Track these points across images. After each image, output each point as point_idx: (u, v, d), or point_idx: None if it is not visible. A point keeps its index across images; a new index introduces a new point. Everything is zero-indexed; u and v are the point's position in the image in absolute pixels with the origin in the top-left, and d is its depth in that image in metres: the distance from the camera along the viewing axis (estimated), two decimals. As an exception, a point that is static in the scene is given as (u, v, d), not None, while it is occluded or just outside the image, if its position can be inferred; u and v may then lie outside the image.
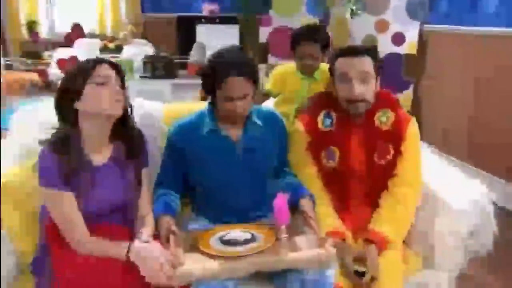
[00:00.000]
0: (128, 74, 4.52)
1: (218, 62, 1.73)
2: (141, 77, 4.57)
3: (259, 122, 1.85)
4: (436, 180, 1.98)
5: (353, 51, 1.85)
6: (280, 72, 2.40)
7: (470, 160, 3.79)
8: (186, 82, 4.60)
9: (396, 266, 1.77)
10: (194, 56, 6.16)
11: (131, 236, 1.64)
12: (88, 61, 1.62)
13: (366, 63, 1.83)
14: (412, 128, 1.90)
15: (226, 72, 1.68)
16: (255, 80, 1.75)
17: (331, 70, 1.92)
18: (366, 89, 1.82)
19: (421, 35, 4.27)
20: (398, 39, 4.27)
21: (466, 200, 1.89)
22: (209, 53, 5.75)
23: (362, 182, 1.90)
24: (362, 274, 1.69)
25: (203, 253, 1.59)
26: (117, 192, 1.64)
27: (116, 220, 1.67)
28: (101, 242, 1.54)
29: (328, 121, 1.91)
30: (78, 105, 1.57)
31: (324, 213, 1.81)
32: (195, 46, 6.35)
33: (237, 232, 1.70)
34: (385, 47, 4.31)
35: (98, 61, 1.60)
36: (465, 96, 3.92)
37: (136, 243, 1.53)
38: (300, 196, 1.77)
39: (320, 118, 1.93)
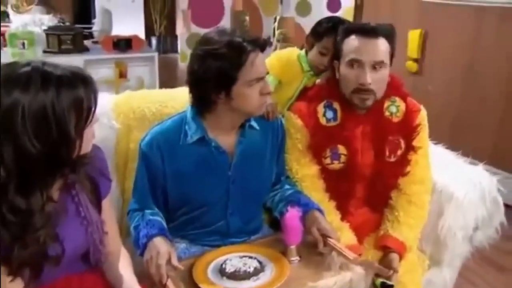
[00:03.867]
0: (28, 49, 3.80)
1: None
2: (44, 52, 3.84)
3: (256, 125, 1.49)
4: (439, 171, 1.78)
5: (369, 31, 1.52)
6: (287, 57, 1.90)
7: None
8: (100, 57, 3.98)
9: (416, 269, 1.63)
10: (99, 24, 5.49)
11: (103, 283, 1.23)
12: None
13: (383, 49, 1.52)
14: (423, 119, 1.66)
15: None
16: None
17: (336, 50, 1.59)
18: (379, 79, 1.52)
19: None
20: (334, 4, 4.03)
21: (474, 190, 1.73)
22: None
23: (368, 182, 1.64)
24: (390, 286, 1.48)
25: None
26: (76, 236, 1.20)
27: (78, 269, 1.23)
28: None
29: (330, 114, 1.60)
30: None
31: (335, 226, 1.53)
32: (99, 12, 5.64)
33: (237, 260, 1.36)
34: (319, 14, 4.06)
35: None
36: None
37: None
38: (310, 210, 1.47)
39: (320, 110, 1.61)
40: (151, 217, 1.42)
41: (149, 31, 7.85)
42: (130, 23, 6.85)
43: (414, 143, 1.63)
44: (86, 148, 1.13)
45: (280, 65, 1.79)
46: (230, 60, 1.31)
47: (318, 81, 1.77)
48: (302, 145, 1.59)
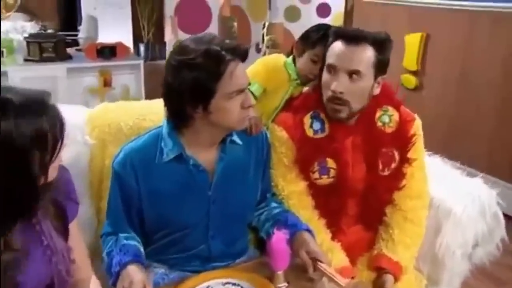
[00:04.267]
0: (7, 57, 3.67)
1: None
2: (26, 60, 3.71)
3: (238, 140, 1.38)
4: (435, 183, 1.68)
5: (352, 37, 1.41)
6: (273, 63, 1.75)
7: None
8: (84, 65, 3.85)
9: None
10: (84, 31, 5.37)
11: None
12: None
13: (363, 58, 1.41)
14: (417, 129, 1.56)
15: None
16: None
17: (324, 55, 1.49)
18: (353, 89, 1.41)
19: (347, 4, 3.99)
20: (324, 10, 3.94)
21: (473, 205, 1.63)
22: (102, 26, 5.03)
23: (360, 198, 1.53)
24: None
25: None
26: (39, 268, 1.07)
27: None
28: None
29: (317, 125, 1.49)
30: None
31: (325, 247, 1.42)
32: (85, 19, 5.52)
33: (220, 287, 1.25)
34: (309, 19, 3.97)
35: None
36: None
37: None
38: (298, 232, 1.36)
39: (306, 121, 1.50)
40: (125, 241, 1.30)
41: (137, 38, 7.72)
42: (117, 30, 6.72)
43: (409, 154, 1.53)
44: (51, 177, 1.01)
45: (266, 72, 1.67)
46: (207, 71, 1.20)
47: (304, 89, 1.66)
48: (288, 159, 1.48)
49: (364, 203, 1.54)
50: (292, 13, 4.01)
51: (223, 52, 1.21)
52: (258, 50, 4.51)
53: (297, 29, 4.02)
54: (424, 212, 1.57)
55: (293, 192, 1.49)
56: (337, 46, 1.42)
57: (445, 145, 2.99)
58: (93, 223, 1.58)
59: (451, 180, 1.77)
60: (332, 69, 1.41)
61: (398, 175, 1.53)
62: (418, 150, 1.55)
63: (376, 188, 1.51)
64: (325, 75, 1.44)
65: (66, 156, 1.39)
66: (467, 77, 3.34)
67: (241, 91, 1.26)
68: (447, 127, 3.49)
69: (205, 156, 1.34)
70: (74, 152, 1.51)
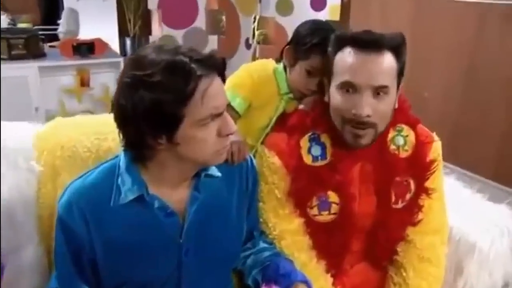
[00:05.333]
0: (-26, 55, 3.34)
1: None
2: (-7, 59, 3.39)
3: (216, 172, 1.10)
4: (453, 211, 1.42)
5: (369, 43, 1.12)
6: (260, 72, 1.41)
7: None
8: (59, 63, 3.53)
9: None
10: (64, 25, 5.06)
11: None
12: None
13: (388, 68, 1.13)
14: (437, 152, 1.29)
15: None
16: None
17: (327, 66, 1.20)
18: (382, 109, 1.13)
19: (343, -3, 3.70)
20: (318, 2, 3.65)
21: (502, 238, 1.38)
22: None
23: (368, 233, 1.26)
24: None
25: None
26: None
27: None
28: None
29: (317, 150, 1.21)
30: None
31: None
32: (65, 12, 5.22)
33: None
34: (302, 13, 3.68)
35: None
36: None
37: None
38: (292, 285, 1.08)
39: (304, 144, 1.22)
40: None
41: (123, 32, 7.40)
42: (101, 24, 6.41)
43: (428, 184, 1.26)
44: None
45: (251, 83, 1.36)
46: (171, 91, 0.90)
47: (301, 106, 1.37)
48: (280, 191, 1.21)
49: (371, 239, 1.27)
50: (284, 6, 3.71)
51: (193, 65, 0.92)
52: (248, 46, 4.21)
53: (290, 24, 3.72)
54: (443, 249, 1.31)
55: (286, 231, 1.22)
56: (350, 56, 1.13)
57: (449, 150, 2.71)
58: (43, 264, 1.30)
59: (471, 206, 1.51)
60: (351, 87, 1.12)
61: (413, 208, 1.27)
62: (437, 178, 1.29)
63: (387, 224, 1.26)
64: (339, 95, 1.15)
65: (4, 187, 1.14)
66: (475, 76, 3.07)
67: (218, 115, 0.97)
68: (451, 130, 3.23)
69: (174, 195, 1.06)
70: (15, 181, 1.23)
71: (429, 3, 3.21)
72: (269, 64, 1.43)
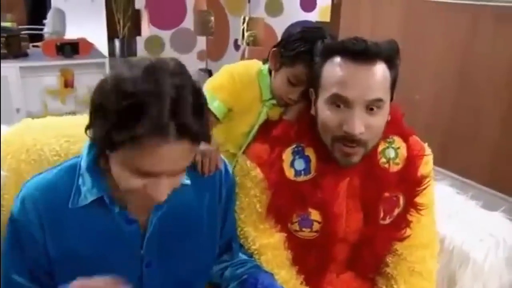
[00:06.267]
0: (-48, 55, 3.24)
1: None
2: (-28, 58, 3.29)
3: (186, 179, 1.00)
4: (445, 220, 1.35)
5: (360, 53, 1.02)
6: (242, 74, 1.32)
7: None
8: (41, 63, 3.43)
9: None
10: (50, 25, 4.96)
11: None
12: None
13: (381, 80, 1.04)
14: (428, 165, 1.22)
15: None
16: None
17: (314, 77, 1.11)
18: (374, 124, 1.05)
19: (333, -3, 3.64)
20: (308, 3, 3.58)
21: (497, 248, 1.31)
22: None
23: (352, 249, 1.19)
24: None
25: None
26: None
27: None
28: None
29: (301, 164, 1.13)
30: None
31: None
32: (51, 12, 5.12)
33: None
34: (292, 14, 3.61)
35: None
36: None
37: None
38: None
39: (286, 157, 1.14)
40: None
41: (112, 33, 7.30)
42: (90, 25, 6.31)
43: (418, 199, 1.18)
44: None
45: (232, 86, 1.27)
46: (122, 128, 0.79)
47: (285, 116, 1.28)
48: (261, 205, 1.14)
49: (356, 252, 1.20)
50: (274, 7, 3.64)
51: (162, 120, 0.78)
52: (237, 47, 4.14)
53: (280, 25, 3.65)
54: (433, 264, 1.23)
55: (266, 245, 1.15)
56: (340, 67, 1.04)
57: (441, 154, 2.65)
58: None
59: (465, 214, 1.44)
60: (341, 102, 1.03)
61: (400, 224, 1.20)
62: (429, 193, 1.21)
63: (373, 239, 1.17)
64: (328, 110, 1.06)
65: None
66: (467, 78, 3.01)
67: (150, 174, 0.84)
68: (443, 133, 3.17)
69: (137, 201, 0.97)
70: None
71: (421, 5, 3.15)
72: (254, 66, 1.35)
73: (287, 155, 1.15)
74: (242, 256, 1.14)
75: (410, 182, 1.17)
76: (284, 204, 1.13)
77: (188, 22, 4.19)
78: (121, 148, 0.81)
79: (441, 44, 3.12)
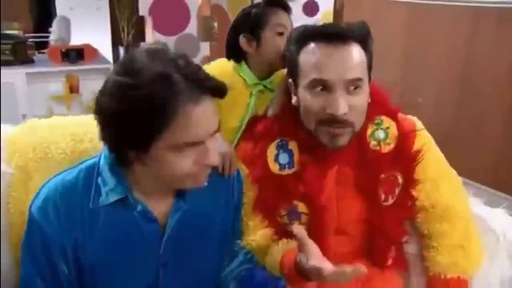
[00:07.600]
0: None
1: None
2: (-19, 64, 3.34)
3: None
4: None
5: (334, 35, 1.05)
6: (220, 70, 1.37)
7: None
8: (47, 70, 3.47)
9: None
10: (55, 33, 5.02)
11: None
12: None
13: (358, 59, 1.06)
14: (422, 140, 1.22)
15: None
16: None
17: (291, 67, 1.14)
18: (356, 104, 1.06)
19: (336, 1, 3.67)
20: (311, 8, 3.62)
21: (497, 243, 1.32)
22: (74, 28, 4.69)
23: (365, 240, 1.20)
24: None
25: None
26: None
27: None
28: None
29: (285, 158, 1.15)
30: None
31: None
32: (56, 20, 5.18)
33: None
34: (294, 19, 3.64)
35: None
36: (393, 71, 3.41)
37: None
38: None
39: (270, 152, 1.16)
40: None
41: (116, 41, 7.37)
42: (95, 32, 6.38)
43: (416, 175, 1.20)
44: None
45: None
46: (151, 107, 0.82)
47: (269, 112, 1.27)
48: (249, 202, 1.16)
49: (371, 242, 1.20)
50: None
51: (181, 85, 0.83)
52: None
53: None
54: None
55: (258, 241, 1.15)
56: (316, 51, 1.06)
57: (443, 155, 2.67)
58: (11, 278, 1.22)
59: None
60: (322, 85, 1.05)
61: (405, 202, 1.21)
62: (433, 162, 1.23)
63: (382, 224, 1.18)
64: (309, 95, 1.07)
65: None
66: (470, 82, 3.03)
67: (198, 143, 0.88)
68: (445, 136, 3.17)
69: (157, 202, 0.99)
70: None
71: (422, 8, 3.18)
72: (226, 62, 1.42)
73: (271, 150, 1.16)
74: (240, 257, 1.15)
75: (405, 160, 1.18)
76: (269, 197, 1.14)
77: (192, 28, 4.23)
78: (161, 135, 0.83)
79: (443, 48, 3.14)
